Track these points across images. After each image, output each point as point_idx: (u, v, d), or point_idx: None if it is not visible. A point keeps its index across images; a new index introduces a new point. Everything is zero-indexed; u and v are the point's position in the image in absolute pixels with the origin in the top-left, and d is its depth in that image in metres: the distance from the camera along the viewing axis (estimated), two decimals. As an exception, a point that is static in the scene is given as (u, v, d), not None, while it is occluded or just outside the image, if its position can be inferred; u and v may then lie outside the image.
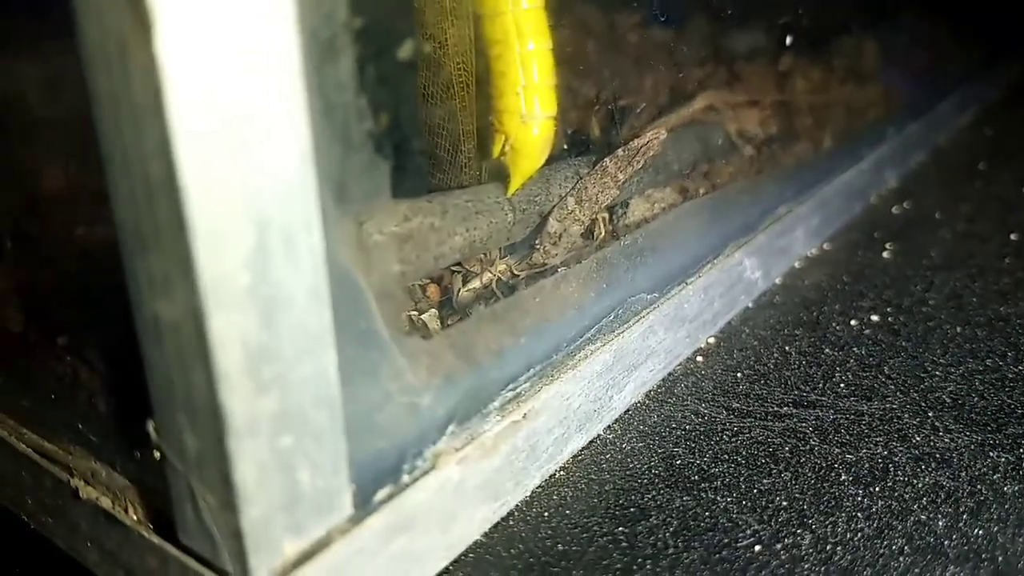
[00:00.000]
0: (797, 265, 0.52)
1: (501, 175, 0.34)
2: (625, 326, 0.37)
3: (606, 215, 0.41)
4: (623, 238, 0.39)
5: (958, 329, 0.43)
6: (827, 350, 0.42)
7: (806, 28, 0.71)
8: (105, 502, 0.27)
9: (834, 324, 0.44)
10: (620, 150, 0.38)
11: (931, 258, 0.52)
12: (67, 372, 0.27)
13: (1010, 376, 0.39)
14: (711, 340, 0.43)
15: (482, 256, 0.34)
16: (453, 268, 0.35)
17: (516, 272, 0.34)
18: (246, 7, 0.19)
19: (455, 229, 0.32)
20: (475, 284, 0.35)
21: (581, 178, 0.37)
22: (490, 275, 0.34)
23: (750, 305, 0.47)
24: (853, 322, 0.44)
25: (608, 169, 0.37)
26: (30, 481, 0.29)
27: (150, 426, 0.23)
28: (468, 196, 0.33)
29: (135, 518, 0.26)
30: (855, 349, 0.42)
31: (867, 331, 0.43)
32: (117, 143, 0.20)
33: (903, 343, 0.42)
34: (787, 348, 0.42)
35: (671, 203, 0.44)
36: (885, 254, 0.53)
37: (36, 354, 0.29)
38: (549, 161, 0.36)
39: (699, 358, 0.42)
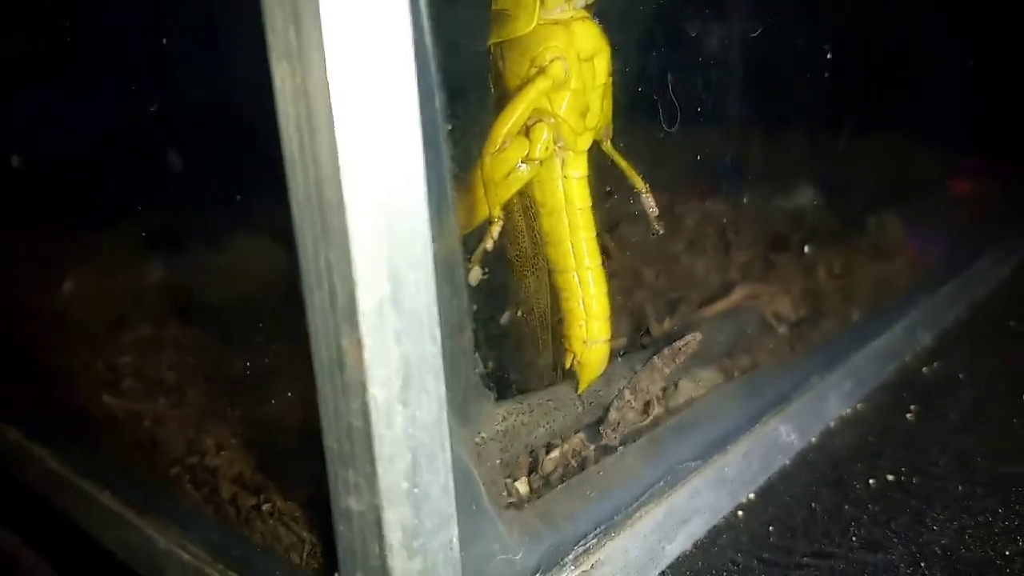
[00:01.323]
0: (832, 425, 0.61)
1: (572, 376, 0.46)
2: (673, 489, 0.47)
3: (660, 395, 0.52)
4: (671, 417, 0.50)
5: (960, 488, 0.51)
6: (847, 506, 0.50)
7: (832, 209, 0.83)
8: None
9: (855, 482, 0.53)
10: (666, 349, 0.49)
11: (949, 420, 0.60)
12: (277, 535, 0.39)
13: (997, 530, 0.47)
14: (751, 496, 0.53)
15: (560, 439, 0.45)
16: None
17: (585, 451, 0.45)
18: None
19: (539, 422, 0.43)
20: (555, 457, 0.46)
21: (635, 373, 0.48)
22: (565, 454, 0.45)
23: (787, 463, 0.56)
24: (871, 481, 0.53)
25: (656, 365, 0.48)
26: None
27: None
28: (548, 396, 0.44)
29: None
30: (870, 506, 0.50)
31: (882, 489, 0.52)
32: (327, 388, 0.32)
33: (911, 500, 0.50)
34: (813, 504, 0.51)
35: (714, 383, 0.55)
36: (908, 415, 0.61)
37: (255, 518, 0.41)
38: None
39: (740, 512, 0.51)
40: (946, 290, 0.80)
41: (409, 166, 0.30)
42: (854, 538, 0.47)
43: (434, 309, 0.32)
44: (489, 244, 0.38)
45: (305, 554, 0.38)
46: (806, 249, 0.66)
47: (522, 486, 0.44)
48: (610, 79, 0.42)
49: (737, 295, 0.60)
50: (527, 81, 0.38)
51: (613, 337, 0.47)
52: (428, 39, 0.32)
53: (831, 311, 0.63)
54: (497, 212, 0.38)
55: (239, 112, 0.53)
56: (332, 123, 0.28)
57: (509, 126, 0.37)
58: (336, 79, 0.28)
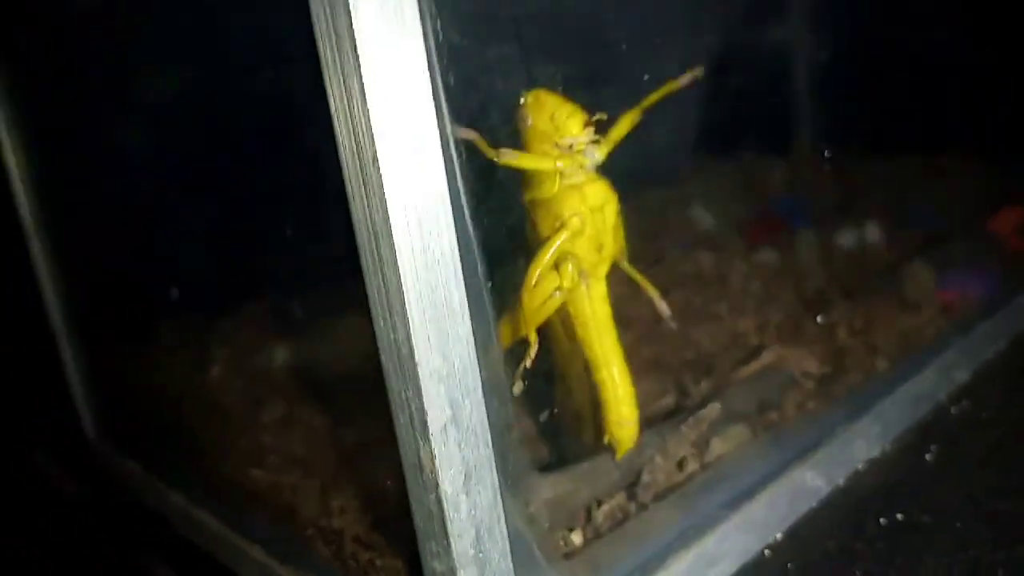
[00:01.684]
0: (859, 468, 0.69)
1: (610, 446, 0.57)
2: (703, 535, 0.58)
3: (693, 453, 0.63)
4: (703, 472, 0.60)
5: (958, 525, 0.60)
6: (858, 545, 0.59)
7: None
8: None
9: (869, 522, 0.62)
10: (691, 418, 0.60)
11: (965, 460, 0.68)
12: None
13: (984, 562, 0.55)
14: (779, 536, 0.62)
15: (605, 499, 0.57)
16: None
17: (627, 509, 0.56)
18: (468, 434, 0.43)
19: (582, 488, 0.54)
20: (604, 511, 0.57)
21: (664, 441, 0.59)
22: (614, 509, 0.56)
23: (814, 506, 0.65)
24: (883, 520, 0.62)
25: (683, 432, 0.59)
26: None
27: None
28: (589, 465, 0.56)
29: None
30: (878, 544, 0.59)
31: (891, 527, 0.61)
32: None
33: (913, 537, 0.59)
34: (829, 544, 0.60)
35: (744, 438, 0.65)
36: (928, 456, 0.69)
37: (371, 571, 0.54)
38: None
39: (767, 552, 0.61)
40: (984, 327, 0.86)
41: (459, 324, 0.42)
42: (859, 573, 0.56)
43: (485, 422, 0.44)
44: (528, 363, 0.50)
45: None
46: (818, 319, 0.75)
47: (577, 537, 0.55)
48: (619, 219, 0.53)
49: (766, 358, 0.70)
50: (554, 231, 0.50)
51: (658, 397, 0.58)
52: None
53: (855, 364, 0.71)
54: (533, 337, 0.50)
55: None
56: (404, 299, 0.41)
57: (540, 269, 0.49)
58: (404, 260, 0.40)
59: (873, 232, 1.10)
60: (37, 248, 0.85)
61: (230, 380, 0.80)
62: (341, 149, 0.41)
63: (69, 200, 0.87)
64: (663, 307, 0.55)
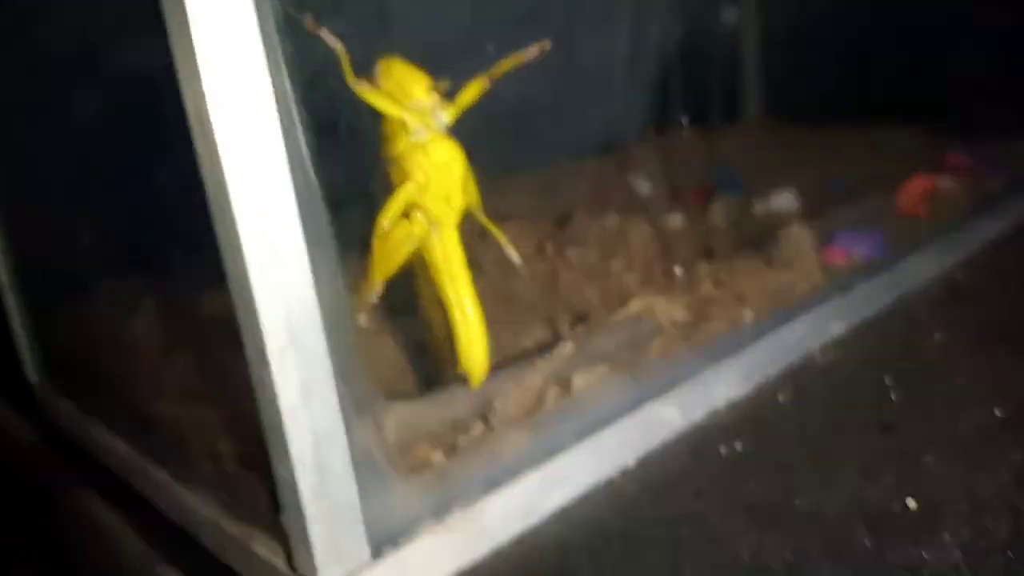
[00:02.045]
0: (719, 407, 0.76)
1: (464, 377, 0.63)
2: (553, 457, 0.64)
3: (554, 386, 0.69)
4: (559, 404, 0.67)
5: (789, 453, 0.66)
6: (694, 469, 0.66)
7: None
8: (267, 555, 0.57)
9: (710, 450, 0.68)
10: (547, 354, 0.66)
11: (811, 399, 0.74)
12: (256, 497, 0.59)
13: (800, 485, 0.62)
14: (630, 463, 0.69)
15: (459, 424, 0.63)
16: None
17: (480, 433, 0.63)
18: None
19: (435, 413, 0.61)
20: (455, 437, 0.64)
21: (521, 374, 0.65)
22: (464, 433, 0.63)
23: (669, 437, 0.72)
24: (724, 449, 0.68)
25: (538, 367, 0.65)
26: (235, 547, 0.60)
27: (282, 518, 0.53)
28: (447, 393, 0.62)
29: (279, 561, 0.56)
30: (712, 468, 0.66)
31: (729, 455, 0.67)
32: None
33: (746, 464, 0.66)
34: (671, 468, 0.67)
35: (604, 376, 0.71)
36: (780, 397, 0.76)
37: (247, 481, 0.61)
38: (503, 362, 0.66)
39: (616, 475, 0.67)
40: (867, 286, 0.92)
41: (295, 256, 0.49)
42: (689, 491, 0.63)
43: (324, 345, 0.50)
44: (373, 298, 0.56)
45: (269, 506, 0.57)
46: (676, 269, 0.81)
47: (426, 454, 0.62)
48: (469, 171, 0.59)
49: (635, 305, 0.76)
50: (401, 184, 0.57)
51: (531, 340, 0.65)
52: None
53: (721, 315, 0.78)
54: (379, 278, 0.56)
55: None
56: (236, 226, 0.47)
57: (389, 216, 0.56)
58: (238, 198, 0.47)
59: (788, 200, 1.17)
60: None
61: (151, 327, 0.86)
62: (188, 112, 0.48)
63: (12, 157, 0.93)
64: (512, 253, 0.62)
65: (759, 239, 0.99)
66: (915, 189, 1.15)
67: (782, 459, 0.66)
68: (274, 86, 0.47)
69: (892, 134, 1.38)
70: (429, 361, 0.65)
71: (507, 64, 0.60)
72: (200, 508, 0.63)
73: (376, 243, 0.56)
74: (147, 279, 0.91)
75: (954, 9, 1.26)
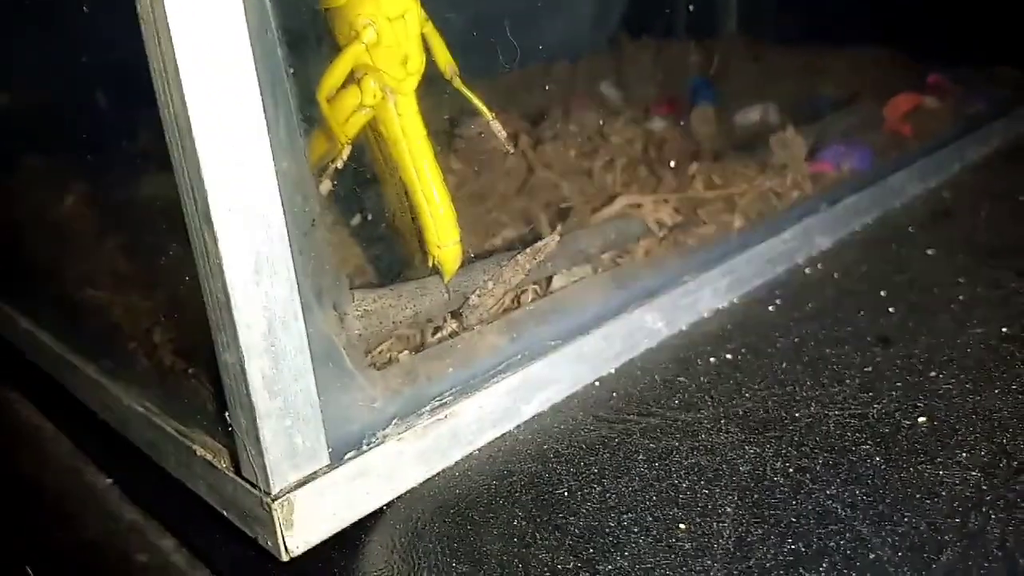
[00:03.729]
0: (705, 315, 0.71)
1: (435, 269, 0.56)
2: (532, 361, 0.58)
3: (537, 286, 0.63)
4: (538, 303, 0.60)
5: (784, 364, 0.61)
6: (682, 378, 0.61)
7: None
8: (209, 457, 0.50)
9: (698, 360, 0.63)
10: (528, 248, 0.59)
11: (803, 311, 0.70)
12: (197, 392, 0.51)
13: (797, 399, 0.57)
14: (612, 371, 0.63)
15: (432, 320, 0.57)
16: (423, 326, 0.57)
17: (454, 331, 0.56)
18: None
19: (407, 305, 0.54)
20: (426, 334, 0.57)
21: (500, 269, 0.59)
22: (435, 330, 0.56)
23: (652, 346, 0.66)
24: (712, 359, 0.63)
25: (518, 261, 0.59)
26: (173, 449, 0.53)
27: (227, 416, 0.46)
28: (417, 285, 0.55)
29: (223, 465, 0.49)
30: (701, 378, 0.61)
31: (719, 365, 0.62)
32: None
33: (737, 374, 0.61)
34: (656, 377, 0.61)
35: (586, 277, 0.65)
36: (770, 307, 0.71)
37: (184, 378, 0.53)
38: (479, 257, 0.59)
39: (597, 383, 0.62)
40: (853, 200, 0.88)
41: (248, 108, 0.41)
42: (676, 401, 0.58)
43: (280, 213, 0.43)
44: (339, 163, 0.48)
45: (213, 402, 0.50)
46: (672, 164, 0.75)
47: (396, 352, 0.55)
48: (430, 27, 0.51)
49: (617, 205, 0.70)
50: (348, 41, 0.48)
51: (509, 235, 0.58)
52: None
53: (710, 218, 0.72)
54: (343, 140, 0.48)
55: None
56: (181, 86, 0.39)
57: (332, 80, 0.47)
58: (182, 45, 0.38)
59: (769, 112, 1.11)
60: None
61: (81, 212, 0.77)
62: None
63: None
64: (497, 127, 0.54)
65: (746, 145, 0.93)
66: (901, 106, 1.11)
67: (776, 371, 0.61)
68: None
69: (871, 55, 1.33)
70: (390, 249, 0.58)
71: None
72: (133, 405, 0.56)
73: (326, 112, 0.48)
74: (72, 157, 0.81)
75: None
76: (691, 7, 1.30)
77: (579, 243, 0.66)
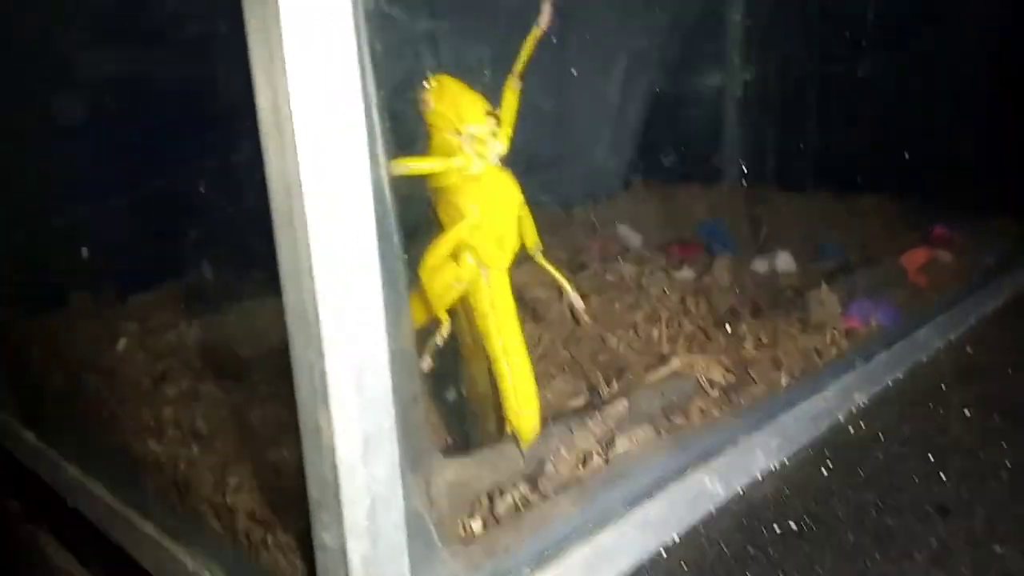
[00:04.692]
0: (759, 477, 0.71)
1: (513, 436, 0.57)
2: (602, 529, 0.58)
3: (599, 451, 0.63)
4: (605, 470, 0.61)
5: (850, 537, 0.62)
6: (752, 550, 0.61)
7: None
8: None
9: (763, 529, 0.63)
10: (598, 413, 0.60)
11: (857, 475, 0.70)
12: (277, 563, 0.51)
13: (872, 574, 0.57)
14: (676, 537, 0.63)
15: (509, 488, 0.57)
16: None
17: (530, 499, 0.56)
18: (370, 404, 0.43)
19: (485, 475, 0.54)
20: (508, 501, 0.57)
21: (571, 434, 0.59)
22: (516, 500, 0.56)
23: (712, 510, 0.66)
24: (776, 527, 0.63)
25: (589, 426, 0.60)
26: None
27: None
28: (494, 452, 0.56)
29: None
30: (770, 550, 0.61)
31: (784, 535, 0.62)
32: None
33: (806, 547, 0.61)
34: (724, 548, 0.61)
35: (648, 438, 0.66)
36: (823, 470, 0.71)
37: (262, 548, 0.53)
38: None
39: (663, 551, 0.62)
40: (883, 356, 0.90)
41: (368, 289, 0.42)
42: (748, 574, 0.58)
43: (389, 392, 0.44)
44: (439, 340, 0.50)
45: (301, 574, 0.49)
46: (727, 326, 0.77)
47: (477, 525, 0.55)
48: (525, 211, 0.53)
49: (675, 363, 0.71)
50: (452, 221, 0.51)
51: (571, 396, 0.59)
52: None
53: (760, 376, 0.73)
54: (442, 316, 0.50)
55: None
56: (310, 257, 0.40)
57: (435, 258, 0.50)
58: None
59: (787, 261, 1.15)
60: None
61: (135, 354, 0.77)
62: (260, 111, 0.41)
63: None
64: (576, 300, 0.56)
65: (773, 299, 0.96)
66: (918, 259, 1.15)
67: (844, 543, 0.61)
68: (363, 93, 0.41)
69: (870, 202, 1.39)
70: (472, 416, 0.59)
71: (525, 50, 0.52)
72: (202, 571, 0.55)
73: (426, 286, 0.50)
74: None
75: (935, 86, 1.28)
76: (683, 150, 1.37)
77: (639, 404, 0.67)
